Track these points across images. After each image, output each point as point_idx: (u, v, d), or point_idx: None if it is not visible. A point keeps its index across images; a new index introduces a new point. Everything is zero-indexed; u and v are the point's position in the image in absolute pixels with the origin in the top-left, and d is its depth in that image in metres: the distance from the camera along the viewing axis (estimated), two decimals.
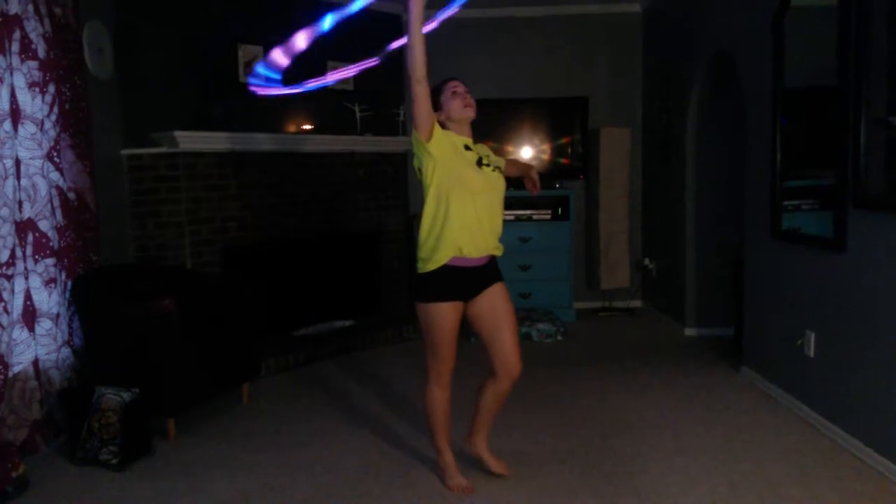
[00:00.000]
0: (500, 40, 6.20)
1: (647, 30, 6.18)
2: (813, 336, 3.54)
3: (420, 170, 2.82)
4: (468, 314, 2.92)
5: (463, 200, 2.74)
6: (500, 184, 2.89)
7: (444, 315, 2.81)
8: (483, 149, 2.99)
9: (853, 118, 3.09)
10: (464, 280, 2.82)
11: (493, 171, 2.88)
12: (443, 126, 2.83)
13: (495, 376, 2.94)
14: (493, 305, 2.89)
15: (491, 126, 5.98)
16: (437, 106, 2.85)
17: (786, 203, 3.83)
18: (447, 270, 2.78)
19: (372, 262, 5.71)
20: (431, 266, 2.78)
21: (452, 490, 2.96)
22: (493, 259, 2.92)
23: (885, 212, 2.96)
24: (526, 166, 3.29)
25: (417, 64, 2.64)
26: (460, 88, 2.89)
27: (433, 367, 2.91)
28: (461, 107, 2.86)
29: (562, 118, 6.13)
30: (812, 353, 3.56)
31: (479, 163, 2.82)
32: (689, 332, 5.38)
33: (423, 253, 2.83)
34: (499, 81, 6.14)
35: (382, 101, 5.64)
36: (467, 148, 2.86)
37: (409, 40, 2.66)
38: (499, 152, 5.98)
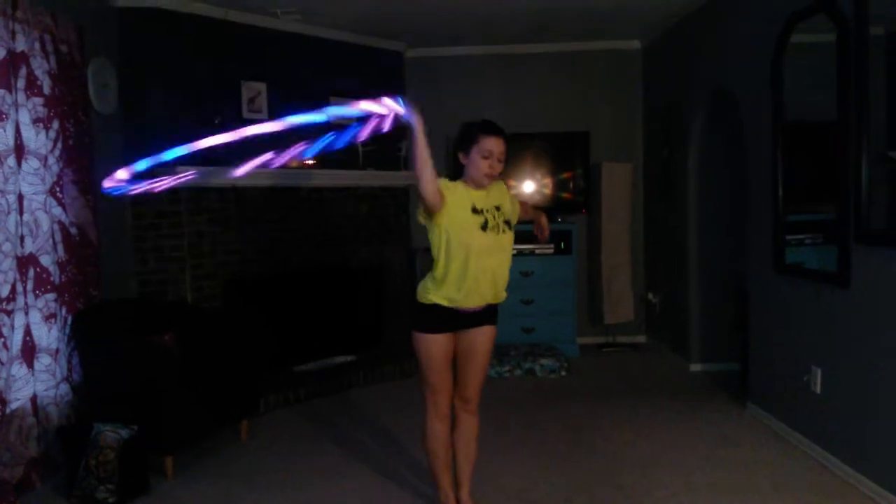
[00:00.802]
0: (502, 76, 6.25)
1: (647, 66, 6.23)
2: (819, 372, 3.50)
3: (426, 227, 2.79)
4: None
5: (465, 261, 2.72)
6: (507, 243, 2.84)
7: (437, 345, 2.84)
8: (498, 194, 2.86)
9: (854, 153, 3.10)
10: (456, 318, 2.84)
11: (501, 232, 2.79)
12: (459, 173, 2.76)
13: (456, 411, 2.97)
14: (473, 345, 2.91)
15: None
16: (463, 147, 2.75)
17: (788, 237, 3.81)
18: (441, 308, 2.80)
19: (374, 297, 5.68)
20: (426, 301, 2.81)
21: None
22: (491, 305, 2.90)
23: (888, 246, 2.94)
24: (536, 213, 3.20)
25: (429, 195, 2.62)
26: (495, 153, 2.72)
27: (429, 397, 2.93)
28: (482, 174, 2.72)
29: (564, 153, 6.15)
30: (818, 390, 3.51)
31: (485, 226, 2.74)
32: (695, 367, 5.32)
33: (424, 285, 2.85)
34: (501, 116, 6.05)
35: (385, 136, 5.65)
36: (475, 211, 2.74)
37: (417, 167, 2.61)
38: None
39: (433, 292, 2.79)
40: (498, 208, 2.82)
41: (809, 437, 3.62)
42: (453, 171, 2.90)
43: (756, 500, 3.11)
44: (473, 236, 2.71)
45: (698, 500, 3.13)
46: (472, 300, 2.79)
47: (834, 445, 3.40)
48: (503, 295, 2.89)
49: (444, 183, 2.72)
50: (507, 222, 2.84)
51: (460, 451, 3.02)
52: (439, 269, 2.77)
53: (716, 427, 4.07)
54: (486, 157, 2.71)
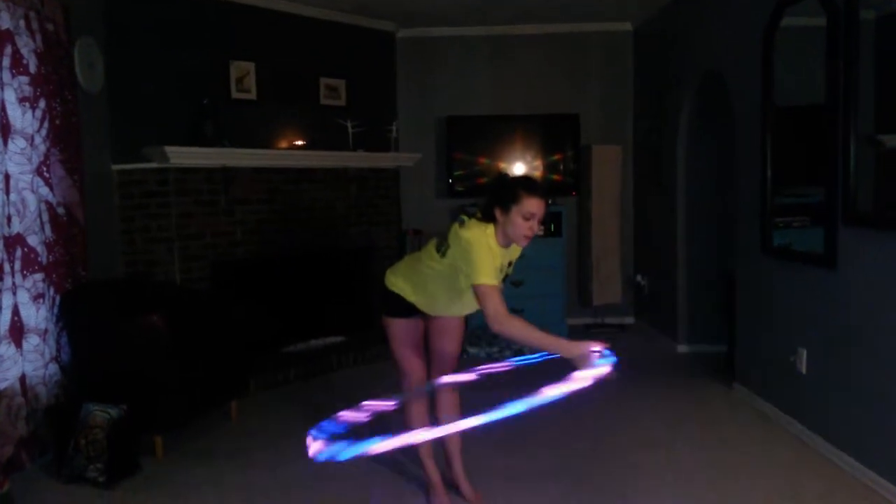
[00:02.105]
0: (493, 57, 6.22)
1: (638, 48, 6.22)
2: (805, 353, 3.54)
3: (447, 254, 2.69)
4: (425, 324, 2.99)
5: (450, 299, 2.79)
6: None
7: (404, 329, 2.90)
8: (516, 249, 2.78)
9: (842, 136, 3.12)
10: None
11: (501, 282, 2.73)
12: (493, 218, 2.63)
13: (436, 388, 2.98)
14: (443, 327, 2.97)
15: (484, 142, 6.01)
16: (502, 203, 2.60)
17: (777, 220, 3.84)
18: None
19: (363, 279, 5.68)
20: (396, 290, 2.86)
21: None
22: None
23: (875, 228, 2.97)
24: None
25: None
26: (537, 216, 2.59)
27: (403, 380, 2.99)
28: (522, 235, 2.61)
29: (554, 135, 6.15)
30: (804, 370, 3.56)
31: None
32: (682, 348, 5.37)
33: (396, 274, 2.90)
34: (492, 98, 6.17)
35: (375, 117, 5.66)
36: (501, 272, 2.70)
37: (526, 341, 2.56)
38: (491, 169, 6.01)
39: (402, 286, 2.84)
40: (509, 264, 2.81)
41: (794, 416, 3.66)
42: (484, 210, 2.70)
43: (740, 478, 3.16)
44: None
45: (683, 478, 3.17)
46: (441, 313, 2.89)
47: (818, 425, 3.45)
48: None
49: (481, 244, 2.57)
50: (507, 276, 2.83)
51: (445, 421, 3.02)
52: (419, 280, 2.80)
53: (702, 407, 4.11)
54: (527, 219, 2.58)
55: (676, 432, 3.73)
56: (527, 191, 2.58)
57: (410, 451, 3.23)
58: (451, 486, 3.07)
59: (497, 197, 2.63)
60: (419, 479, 3.19)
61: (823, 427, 3.40)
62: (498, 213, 2.62)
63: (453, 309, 2.88)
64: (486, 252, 2.57)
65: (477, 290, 2.52)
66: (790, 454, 3.42)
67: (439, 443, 3.05)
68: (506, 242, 2.67)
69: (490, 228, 2.64)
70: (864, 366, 3.08)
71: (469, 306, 2.78)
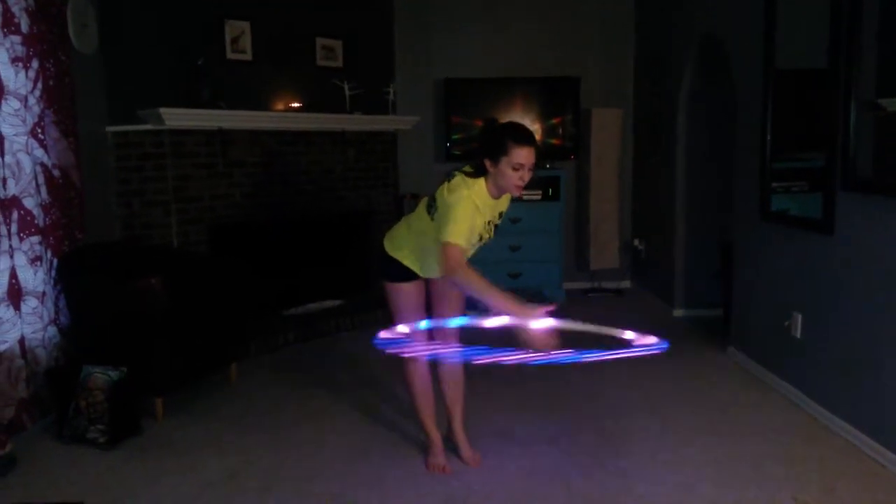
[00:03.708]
0: (493, 18, 6.13)
1: (639, 11, 6.13)
2: (800, 317, 3.56)
3: (435, 216, 2.67)
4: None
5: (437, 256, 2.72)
6: (487, 243, 2.79)
7: (405, 293, 2.88)
8: (505, 201, 2.77)
9: (843, 100, 3.09)
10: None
11: (480, 241, 2.71)
12: (484, 170, 2.62)
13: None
14: (444, 290, 2.93)
15: (482, 105, 5.95)
16: (491, 155, 2.58)
17: (775, 185, 3.83)
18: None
19: (361, 242, 5.68)
20: (393, 254, 2.84)
21: (428, 468, 3.01)
22: None
23: (874, 194, 2.96)
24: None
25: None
26: (527, 165, 2.57)
27: None
28: (514, 185, 2.59)
29: (554, 98, 6.09)
30: (799, 335, 3.58)
31: (479, 239, 2.70)
32: (678, 312, 5.40)
33: (392, 238, 2.88)
34: (491, 60, 6.09)
35: (372, 79, 5.59)
36: (480, 238, 2.69)
37: (478, 295, 2.46)
38: None
39: (399, 249, 2.83)
40: (500, 214, 2.79)
41: (788, 380, 3.70)
42: (476, 167, 2.69)
43: (733, 441, 3.20)
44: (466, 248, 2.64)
45: (677, 440, 3.22)
46: (432, 274, 2.83)
47: (812, 388, 3.48)
48: None
49: (464, 206, 2.54)
50: (496, 226, 2.79)
51: (447, 385, 3.08)
52: (412, 248, 2.79)
53: (696, 370, 4.15)
54: (517, 170, 2.56)
55: (671, 396, 3.77)
56: (515, 141, 2.55)
57: (409, 411, 3.28)
58: (451, 448, 3.11)
59: (486, 149, 2.60)
60: (416, 439, 3.23)
61: (817, 391, 3.44)
62: (488, 165, 2.60)
63: None
64: (468, 213, 2.55)
65: (443, 246, 2.51)
66: (783, 416, 3.46)
67: (440, 404, 3.09)
68: (497, 193, 2.67)
69: (479, 184, 2.62)
70: (858, 331, 3.11)
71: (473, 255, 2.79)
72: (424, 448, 3.11)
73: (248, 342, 4.28)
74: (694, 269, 5.34)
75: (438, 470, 2.98)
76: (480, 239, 2.72)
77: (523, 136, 2.58)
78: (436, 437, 3.06)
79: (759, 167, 3.88)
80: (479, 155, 2.63)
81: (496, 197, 2.68)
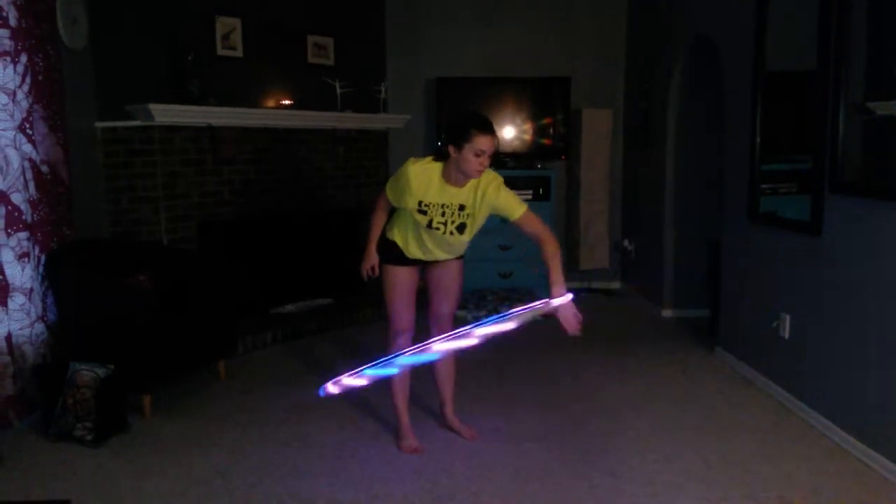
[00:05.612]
0: (484, 18, 6.13)
1: (630, 11, 6.15)
2: (788, 318, 3.59)
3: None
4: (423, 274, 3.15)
5: (419, 235, 2.95)
6: (457, 242, 2.96)
7: (399, 276, 3.06)
8: (471, 192, 2.87)
9: (832, 103, 3.11)
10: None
11: (449, 234, 2.89)
12: (447, 156, 2.82)
13: (432, 334, 3.11)
14: (441, 279, 3.12)
15: (473, 104, 5.94)
16: (455, 141, 2.77)
17: (763, 186, 3.85)
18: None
19: (352, 241, 5.67)
20: (389, 235, 3.03)
21: (402, 451, 3.12)
22: None
23: (861, 196, 2.99)
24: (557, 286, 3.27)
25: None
26: (487, 152, 2.76)
27: (390, 326, 3.11)
28: (474, 170, 2.78)
29: (545, 98, 6.10)
30: (786, 335, 3.60)
31: (429, 224, 2.87)
32: (667, 313, 5.42)
33: (392, 220, 3.07)
34: (483, 59, 6.09)
35: (363, 77, 5.58)
36: (420, 210, 2.86)
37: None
38: None
39: (391, 232, 3.02)
40: (462, 207, 2.87)
41: (775, 380, 3.72)
42: (437, 150, 2.94)
43: (720, 441, 3.22)
44: (423, 226, 2.90)
45: (667, 440, 3.23)
46: (429, 257, 3.03)
47: (799, 389, 3.51)
48: (459, 252, 3.08)
49: (403, 169, 2.87)
50: (463, 225, 2.89)
51: (439, 371, 3.22)
52: (400, 227, 2.99)
53: (685, 371, 4.17)
54: (478, 156, 2.75)
55: (659, 395, 3.79)
56: (478, 129, 2.75)
57: (387, 396, 3.29)
58: (448, 428, 3.28)
59: (451, 136, 2.78)
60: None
61: (804, 391, 3.46)
62: (451, 150, 2.78)
63: (438, 252, 3.00)
64: (417, 178, 2.82)
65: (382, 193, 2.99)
66: (771, 417, 3.48)
67: (433, 391, 3.24)
68: (458, 180, 2.83)
69: (434, 165, 2.86)
70: (845, 332, 3.13)
71: (452, 245, 2.97)
72: (395, 432, 3.21)
73: (237, 340, 4.27)
74: (683, 269, 5.36)
75: (410, 451, 3.11)
76: (436, 226, 2.86)
77: (486, 125, 2.79)
78: (405, 419, 3.18)
79: (749, 169, 3.90)
80: (444, 142, 2.83)
81: (456, 185, 2.84)
